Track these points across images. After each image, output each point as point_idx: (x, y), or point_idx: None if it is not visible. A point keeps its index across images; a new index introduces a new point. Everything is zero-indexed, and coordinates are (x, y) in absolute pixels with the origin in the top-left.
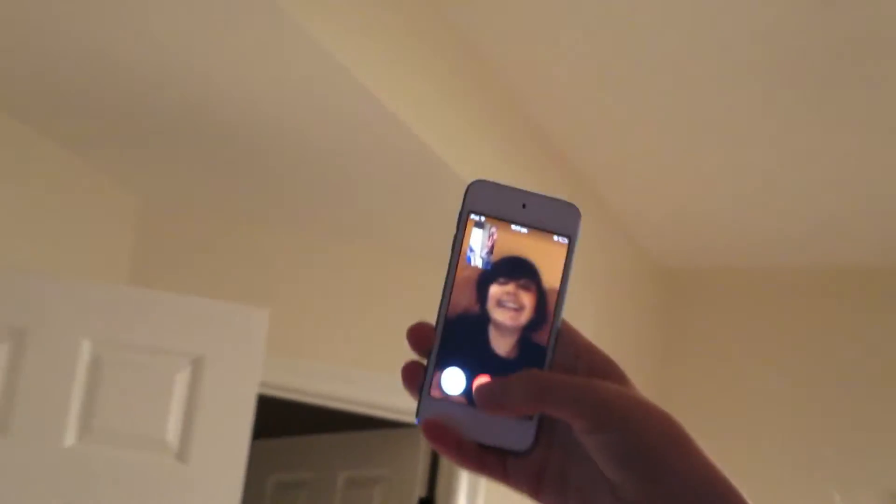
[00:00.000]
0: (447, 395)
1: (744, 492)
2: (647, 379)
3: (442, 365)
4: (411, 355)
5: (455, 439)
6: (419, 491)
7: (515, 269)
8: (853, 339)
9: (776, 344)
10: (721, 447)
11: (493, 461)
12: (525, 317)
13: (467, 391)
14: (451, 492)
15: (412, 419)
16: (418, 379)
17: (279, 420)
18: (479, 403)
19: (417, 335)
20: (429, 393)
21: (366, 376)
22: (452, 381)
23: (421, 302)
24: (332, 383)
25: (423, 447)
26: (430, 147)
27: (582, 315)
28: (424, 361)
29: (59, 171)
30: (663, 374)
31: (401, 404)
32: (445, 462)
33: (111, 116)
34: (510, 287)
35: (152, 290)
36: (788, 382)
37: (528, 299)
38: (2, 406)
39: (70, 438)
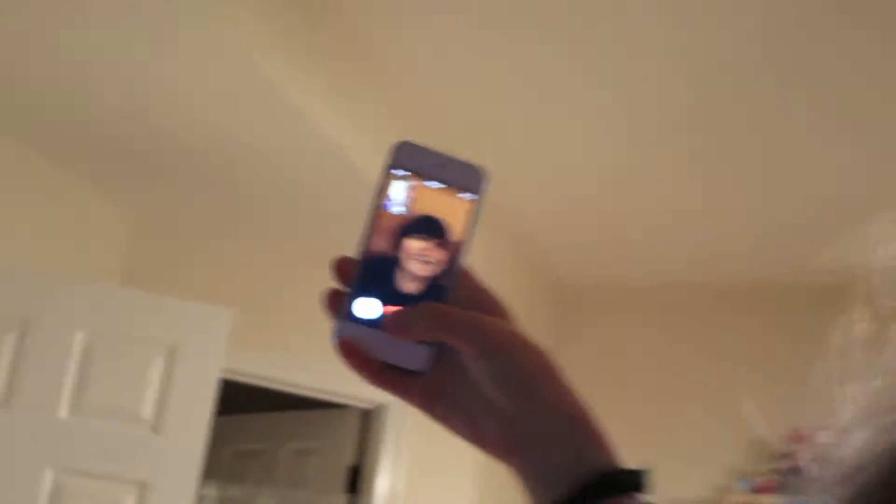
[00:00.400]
0: (361, 319)
1: (595, 416)
2: None
3: (358, 294)
4: None
5: (364, 357)
6: (349, 460)
7: (428, 226)
8: (724, 350)
9: (654, 350)
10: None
11: (394, 378)
12: (432, 268)
13: (379, 317)
14: (375, 461)
15: (347, 401)
16: (337, 304)
17: (239, 400)
18: (387, 328)
19: (340, 267)
20: (345, 316)
21: (310, 365)
22: (366, 308)
23: None
24: (284, 370)
25: (352, 424)
26: (355, 163)
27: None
28: (344, 290)
29: (65, 193)
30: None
31: (338, 389)
32: (372, 437)
33: (108, 146)
34: (422, 244)
35: (136, 290)
36: (662, 383)
37: (436, 254)
38: (6, 383)
39: (63, 412)
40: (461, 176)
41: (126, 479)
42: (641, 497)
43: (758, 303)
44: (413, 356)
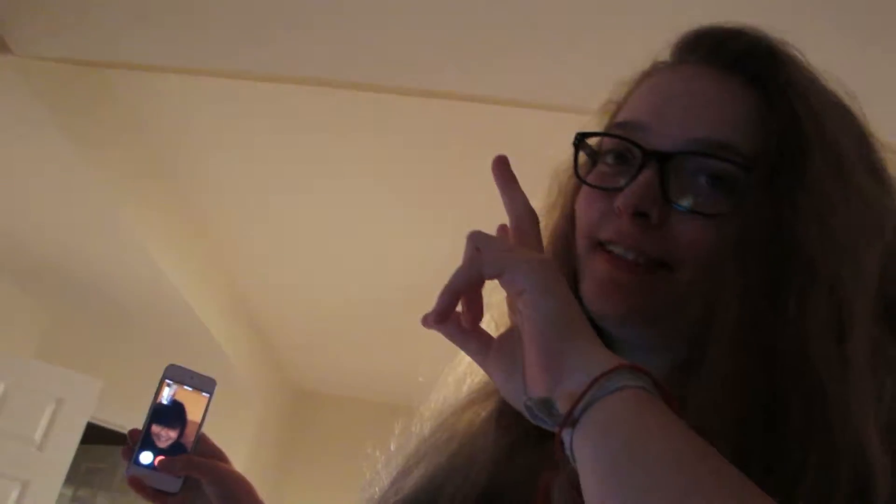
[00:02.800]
0: (142, 464)
1: None
2: (271, 467)
3: (141, 449)
4: None
5: (143, 486)
6: None
7: (178, 412)
8: None
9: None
10: None
11: (159, 497)
12: (179, 438)
13: (151, 463)
14: None
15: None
16: (129, 455)
17: (93, 434)
18: (161, 467)
19: (132, 433)
20: (133, 462)
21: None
22: (145, 457)
23: None
24: (121, 417)
25: None
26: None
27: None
28: (133, 447)
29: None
30: (283, 465)
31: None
32: None
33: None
34: (172, 424)
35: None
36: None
37: (179, 429)
38: None
39: None
40: (203, 383)
41: (13, 477)
42: None
43: None
44: (171, 484)
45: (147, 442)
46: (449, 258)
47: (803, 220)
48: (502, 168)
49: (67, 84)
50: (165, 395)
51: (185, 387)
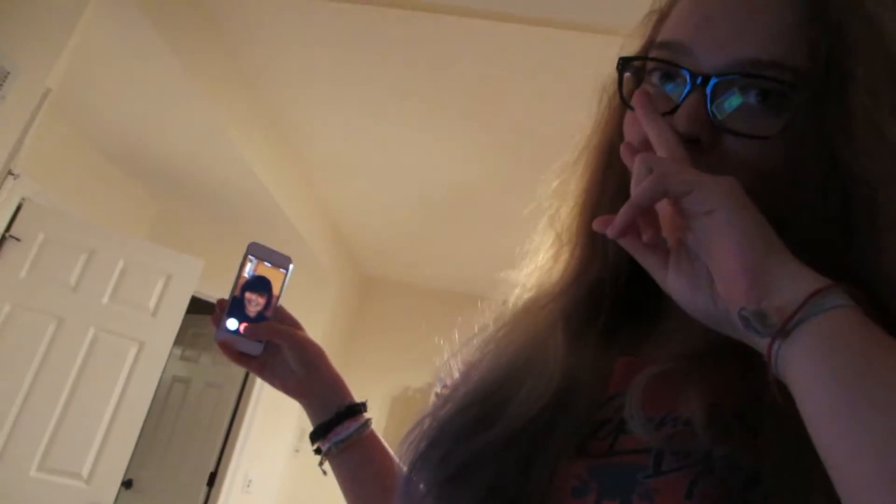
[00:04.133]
0: (229, 329)
1: (342, 380)
2: (342, 344)
3: (228, 316)
4: None
5: (232, 349)
6: None
7: (260, 285)
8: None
9: (421, 332)
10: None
11: (244, 359)
12: (261, 307)
13: (236, 329)
14: None
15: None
16: (218, 321)
17: (198, 306)
18: (245, 333)
19: (219, 303)
20: (222, 327)
21: None
22: (232, 323)
23: None
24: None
25: None
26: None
27: (321, 301)
28: (221, 314)
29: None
30: (350, 340)
31: None
32: None
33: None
34: (255, 295)
35: (156, 243)
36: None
37: (263, 299)
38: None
39: (106, 298)
40: (280, 260)
41: (132, 338)
42: (365, 414)
43: None
44: (254, 348)
45: (233, 310)
46: (492, 163)
47: (853, 150)
48: (645, 102)
49: (171, 3)
50: (248, 269)
51: (266, 263)
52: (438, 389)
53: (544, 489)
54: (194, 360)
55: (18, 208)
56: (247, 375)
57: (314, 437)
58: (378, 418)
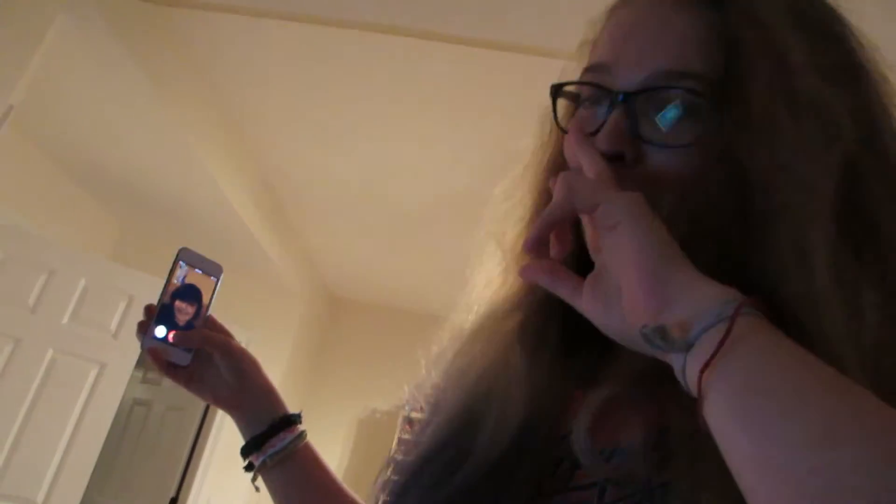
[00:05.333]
0: (157, 337)
1: (276, 390)
2: (307, 363)
3: (157, 324)
4: None
5: (159, 358)
6: None
7: (190, 293)
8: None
9: (390, 355)
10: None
11: (172, 369)
12: (190, 316)
13: (164, 336)
14: None
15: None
16: (144, 329)
17: None
18: (174, 341)
19: (148, 309)
20: (149, 334)
21: None
22: (161, 330)
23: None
24: None
25: None
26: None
27: (289, 318)
28: (149, 321)
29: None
30: (317, 362)
31: None
32: None
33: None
34: (185, 303)
35: (118, 264)
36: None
37: (192, 308)
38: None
39: (67, 316)
40: (212, 268)
41: (92, 360)
42: (299, 427)
43: None
44: (182, 357)
45: (161, 317)
46: (472, 179)
47: (751, 145)
48: (574, 127)
49: (138, 20)
50: (178, 276)
51: (196, 270)
52: (407, 414)
53: None
54: (156, 382)
55: None
56: None
57: (246, 450)
58: (345, 440)
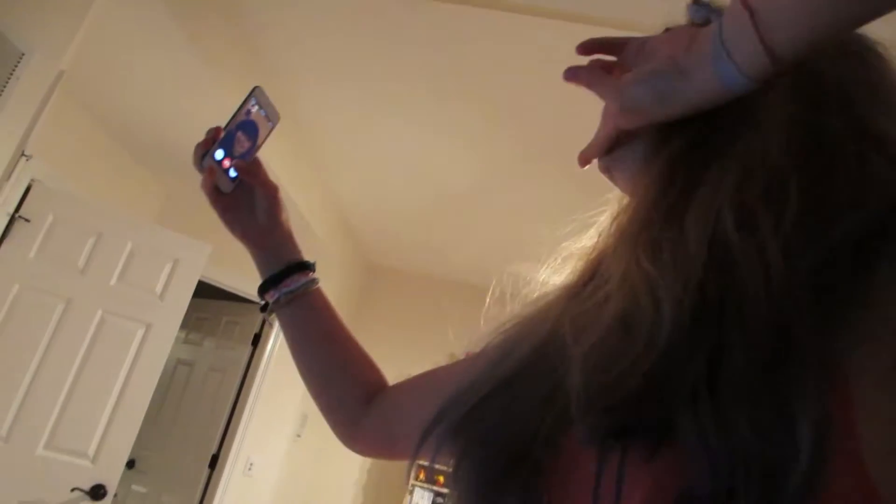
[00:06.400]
0: (216, 158)
1: (301, 250)
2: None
3: (219, 146)
4: None
5: (210, 179)
6: (256, 330)
7: (252, 128)
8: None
9: (425, 322)
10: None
11: (216, 194)
12: (245, 150)
13: (222, 160)
14: (269, 332)
15: (255, 299)
16: (203, 150)
17: (202, 290)
18: (228, 166)
19: (214, 131)
20: (210, 154)
21: (241, 276)
22: (220, 153)
23: None
24: (229, 278)
25: (257, 313)
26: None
27: (326, 286)
28: (211, 145)
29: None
30: (353, 328)
31: (249, 290)
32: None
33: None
34: (244, 136)
35: (164, 227)
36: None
37: (248, 143)
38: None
39: (114, 280)
40: (273, 115)
41: (139, 320)
42: (312, 273)
43: None
44: (228, 184)
45: (224, 142)
46: (503, 155)
47: None
48: (575, 74)
49: None
50: (246, 111)
51: (261, 111)
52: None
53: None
54: (198, 343)
55: (28, 189)
56: (250, 361)
57: (264, 287)
58: None
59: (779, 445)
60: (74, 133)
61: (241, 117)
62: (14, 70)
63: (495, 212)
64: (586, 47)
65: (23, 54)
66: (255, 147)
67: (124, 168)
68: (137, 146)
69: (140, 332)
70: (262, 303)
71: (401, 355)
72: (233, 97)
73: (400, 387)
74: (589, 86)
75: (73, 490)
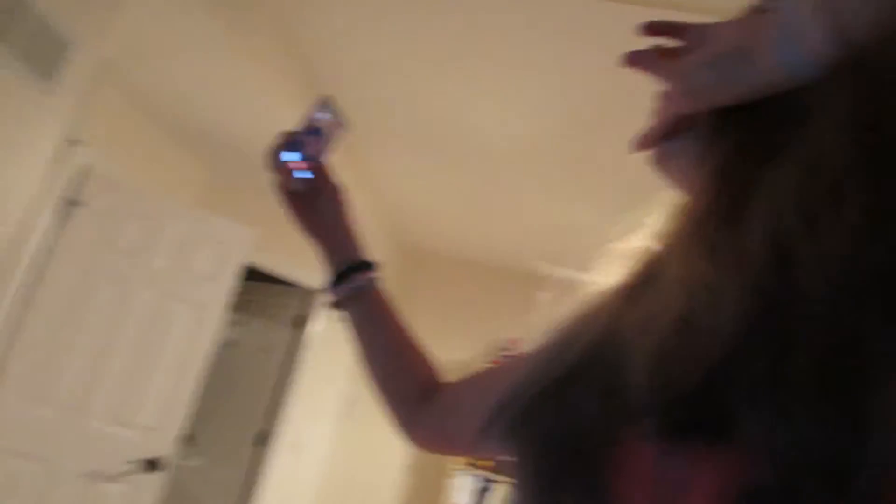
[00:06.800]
0: (292, 158)
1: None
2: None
3: (292, 147)
4: None
5: (284, 176)
6: (297, 311)
7: (321, 133)
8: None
9: (462, 306)
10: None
11: (285, 192)
12: (317, 151)
13: (298, 160)
14: (310, 313)
15: (298, 282)
16: (278, 151)
17: (250, 274)
18: (304, 167)
19: (287, 135)
20: (287, 154)
21: (288, 261)
22: (295, 154)
23: None
24: (275, 263)
25: (299, 294)
26: None
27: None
28: (287, 145)
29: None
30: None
31: (291, 273)
32: (309, 301)
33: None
34: (314, 140)
35: (206, 211)
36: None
37: (318, 146)
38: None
39: (161, 261)
40: (342, 122)
41: (189, 302)
42: (375, 272)
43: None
44: (299, 184)
45: (296, 143)
46: (550, 131)
47: None
48: (636, 58)
49: None
50: (316, 117)
51: (331, 118)
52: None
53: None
54: (245, 324)
55: (82, 175)
56: (298, 343)
57: (332, 284)
58: None
59: (845, 443)
60: (119, 120)
61: (312, 122)
62: (61, 58)
63: (543, 191)
64: (650, 28)
65: (67, 43)
66: (324, 150)
67: (166, 153)
68: (179, 131)
69: (190, 313)
70: (332, 300)
71: (441, 340)
72: (272, 81)
73: (458, 384)
74: (650, 70)
75: (129, 462)
